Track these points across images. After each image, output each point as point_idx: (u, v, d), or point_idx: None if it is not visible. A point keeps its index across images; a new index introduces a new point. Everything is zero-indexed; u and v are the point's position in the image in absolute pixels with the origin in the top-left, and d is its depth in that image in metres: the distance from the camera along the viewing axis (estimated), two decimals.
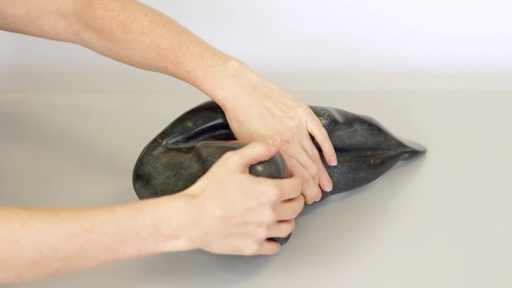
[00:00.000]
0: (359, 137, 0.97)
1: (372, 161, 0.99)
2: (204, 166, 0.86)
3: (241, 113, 0.90)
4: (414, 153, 1.06)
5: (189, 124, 0.94)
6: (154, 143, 0.94)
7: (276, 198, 0.80)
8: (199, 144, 0.88)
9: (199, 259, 0.88)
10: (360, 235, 0.93)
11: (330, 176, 0.95)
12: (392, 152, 1.02)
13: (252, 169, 0.82)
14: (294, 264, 0.88)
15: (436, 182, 1.03)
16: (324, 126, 0.94)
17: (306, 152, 0.91)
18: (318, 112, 0.95)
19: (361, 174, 0.98)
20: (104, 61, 1.38)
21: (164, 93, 1.24)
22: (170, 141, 0.94)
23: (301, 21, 1.44)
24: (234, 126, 0.91)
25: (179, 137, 0.94)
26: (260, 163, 0.82)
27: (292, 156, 0.90)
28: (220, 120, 0.94)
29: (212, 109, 0.94)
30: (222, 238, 0.79)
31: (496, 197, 1.00)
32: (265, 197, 0.80)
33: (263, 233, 0.81)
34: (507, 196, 1.00)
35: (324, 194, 0.96)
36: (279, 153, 0.85)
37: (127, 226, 0.76)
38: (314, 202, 0.96)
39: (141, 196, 0.92)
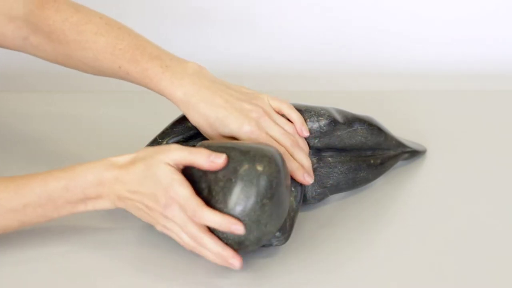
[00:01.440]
0: (359, 137, 0.97)
1: (372, 161, 0.99)
2: None
3: (205, 105, 0.90)
4: (414, 153, 1.06)
5: (189, 124, 0.94)
6: (154, 143, 0.94)
7: (183, 202, 0.82)
8: (199, 144, 0.88)
9: (200, 258, 0.88)
10: (360, 235, 0.93)
11: (330, 176, 0.95)
12: (392, 152, 1.02)
13: (252, 169, 0.82)
14: (294, 264, 0.88)
15: (436, 182, 1.03)
16: (324, 126, 0.94)
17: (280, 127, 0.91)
18: (318, 112, 0.95)
19: (361, 174, 0.98)
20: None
21: None
22: (170, 141, 0.94)
23: (301, 21, 1.44)
24: (201, 122, 0.91)
25: (179, 137, 0.94)
26: (260, 163, 0.82)
27: (266, 132, 0.90)
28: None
29: None
30: (136, 208, 0.85)
31: (496, 197, 1.00)
32: (175, 197, 0.83)
33: (170, 225, 0.84)
34: (507, 196, 1.00)
35: (324, 194, 0.96)
36: (279, 153, 0.85)
37: (59, 196, 0.85)
38: (315, 202, 0.96)
39: None
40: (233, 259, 0.83)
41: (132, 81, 0.96)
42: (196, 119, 0.91)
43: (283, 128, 0.92)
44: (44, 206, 0.85)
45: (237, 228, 0.81)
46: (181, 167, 0.85)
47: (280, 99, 0.94)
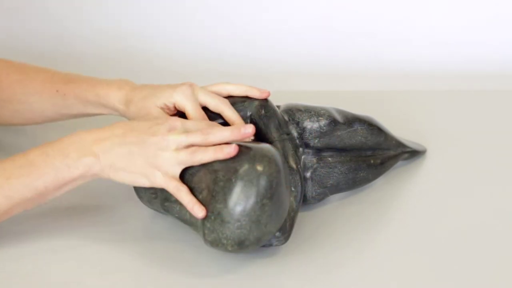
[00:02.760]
0: (359, 137, 0.97)
1: (372, 161, 0.99)
2: (204, 166, 0.86)
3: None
4: (414, 153, 1.06)
5: None
6: None
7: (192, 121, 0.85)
8: None
9: (200, 259, 0.88)
10: (360, 235, 0.93)
11: (330, 176, 0.95)
12: (392, 152, 1.02)
13: (251, 169, 0.82)
14: (294, 264, 0.88)
15: (436, 182, 1.03)
16: (324, 126, 0.94)
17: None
18: (318, 112, 0.95)
19: (361, 174, 0.98)
20: (104, 61, 1.38)
21: None
22: None
23: (301, 21, 1.44)
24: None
25: None
26: (260, 163, 0.82)
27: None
28: (220, 120, 0.94)
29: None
30: (125, 153, 0.84)
31: (496, 197, 1.00)
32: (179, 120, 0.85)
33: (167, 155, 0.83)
34: (507, 196, 1.00)
35: (324, 194, 0.96)
36: (279, 153, 0.85)
37: (40, 161, 0.85)
38: (315, 202, 0.96)
39: (141, 196, 0.92)
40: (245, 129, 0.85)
41: (71, 98, 0.99)
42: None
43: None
44: (27, 174, 0.84)
45: (247, 132, 0.84)
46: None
47: (211, 95, 0.92)
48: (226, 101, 0.93)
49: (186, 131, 0.84)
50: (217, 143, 0.84)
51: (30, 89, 1.00)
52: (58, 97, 0.99)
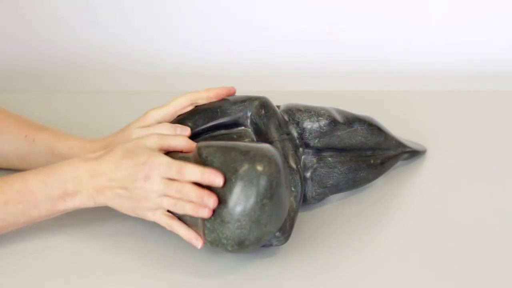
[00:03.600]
0: (359, 137, 0.97)
1: (372, 161, 0.99)
2: (204, 166, 0.86)
3: None
4: (414, 153, 1.06)
5: (189, 124, 0.94)
6: None
7: (166, 165, 0.85)
8: (199, 144, 0.88)
9: (200, 259, 0.88)
10: (360, 235, 0.93)
11: (330, 176, 0.95)
12: (392, 152, 1.02)
13: (251, 169, 0.82)
14: (294, 264, 0.88)
15: (436, 182, 1.03)
16: (324, 126, 0.94)
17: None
18: (318, 112, 0.95)
19: (361, 174, 0.98)
20: (105, 61, 1.38)
21: (164, 93, 1.24)
22: None
23: (301, 21, 1.44)
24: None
25: None
26: (260, 163, 0.82)
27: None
28: (220, 120, 0.94)
29: (212, 109, 0.94)
30: (116, 196, 0.86)
31: (496, 197, 1.00)
32: (156, 165, 0.85)
33: (155, 200, 0.85)
34: (507, 195, 1.00)
35: (324, 194, 0.96)
36: (279, 153, 0.85)
37: (38, 191, 0.86)
38: (315, 202, 0.96)
39: None
40: (211, 202, 0.83)
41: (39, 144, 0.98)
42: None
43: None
44: (24, 202, 0.86)
45: (217, 180, 0.82)
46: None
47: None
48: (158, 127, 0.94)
49: (163, 180, 0.85)
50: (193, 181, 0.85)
51: None
52: (25, 142, 0.99)
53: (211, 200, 0.82)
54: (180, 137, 0.89)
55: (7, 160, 1.00)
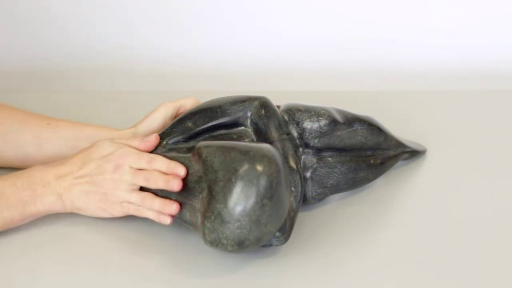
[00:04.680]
0: (359, 137, 0.97)
1: (372, 161, 0.99)
2: (204, 166, 0.86)
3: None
4: (414, 153, 1.06)
5: (189, 124, 0.94)
6: None
7: (136, 154, 0.89)
8: (199, 144, 0.88)
9: (200, 259, 0.88)
10: (360, 235, 0.93)
11: (330, 176, 0.95)
12: (392, 152, 1.02)
13: (251, 169, 0.82)
14: (294, 264, 0.88)
15: (436, 182, 1.03)
16: (324, 126, 0.94)
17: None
18: (318, 112, 0.95)
19: (361, 174, 0.98)
20: (105, 61, 1.38)
21: (164, 93, 1.24)
22: (170, 141, 0.94)
23: (300, 21, 1.44)
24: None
25: (179, 137, 0.94)
26: (260, 163, 0.82)
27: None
28: (220, 120, 0.94)
29: (212, 109, 0.94)
30: (85, 193, 0.89)
31: (496, 197, 1.00)
32: (125, 155, 0.89)
33: (123, 186, 0.88)
34: (507, 195, 1.00)
35: (324, 194, 0.96)
36: (279, 153, 0.85)
37: (10, 193, 0.88)
38: (315, 202, 0.96)
39: None
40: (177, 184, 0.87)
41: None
42: None
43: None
44: None
45: (180, 169, 0.87)
46: None
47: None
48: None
49: (132, 170, 0.89)
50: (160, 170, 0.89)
51: (12, 121, 0.99)
52: (47, 129, 0.99)
53: (176, 182, 0.87)
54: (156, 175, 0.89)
55: (23, 150, 0.99)
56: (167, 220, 0.88)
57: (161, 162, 0.89)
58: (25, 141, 0.99)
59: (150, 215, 0.89)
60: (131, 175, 0.88)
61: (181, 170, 0.88)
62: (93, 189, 0.89)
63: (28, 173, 0.90)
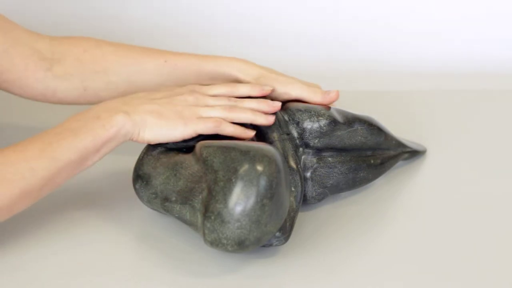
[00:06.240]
0: (359, 137, 0.97)
1: (372, 161, 0.99)
2: (204, 166, 0.86)
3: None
4: (414, 153, 1.07)
5: None
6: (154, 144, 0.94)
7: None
8: (199, 144, 0.88)
9: (200, 259, 0.88)
10: (360, 235, 0.93)
11: (330, 176, 0.95)
12: (392, 152, 1.02)
13: (251, 169, 0.82)
14: (294, 264, 0.88)
15: (436, 182, 1.03)
16: (324, 126, 0.94)
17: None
18: (318, 112, 0.95)
19: (361, 174, 0.98)
20: None
21: None
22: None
23: (300, 21, 1.44)
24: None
25: None
26: (260, 163, 0.82)
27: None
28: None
29: None
30: (152, 110, 0.87)
31: (496, 197, 1.00)
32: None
33: (189, 101, 0.88)
34: (507, 195, 1.00)
35: (324, 194, 0.96)
36: (279, 153, 0.85)
37: (76, 126, 0.86)
38: (315, 202, 0.96)
39: (141, 196, 0.92)
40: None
41: (177, 74, 0.98)
42: None
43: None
44: (67, 138, 0.85)
45: (266, 88, 0.92)
46: None
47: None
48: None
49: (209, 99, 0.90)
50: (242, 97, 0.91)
51: (128, 60, 0.99)
52: (166, 68, 0.98)
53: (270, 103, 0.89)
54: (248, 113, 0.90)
55: (142, 89, 0.99)
56: (269, 119, 0.89)
57: (244, 87, 0.90)
58: (147, 80, 0.99)
59: (243, 116, 0.89)
60: (210, 99, 0.88)
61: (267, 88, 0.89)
62: (168, 106, 0.88)
63: (90, 108, 0.88)
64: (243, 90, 0.91)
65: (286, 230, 0.88)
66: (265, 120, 0.91)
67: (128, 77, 0.99)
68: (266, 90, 0.92)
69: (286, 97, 0.97)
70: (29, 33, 1.00)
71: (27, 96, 1.01)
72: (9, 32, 0.98)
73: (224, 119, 0.89)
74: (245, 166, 0.83)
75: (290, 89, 0.96)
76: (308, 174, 0.95)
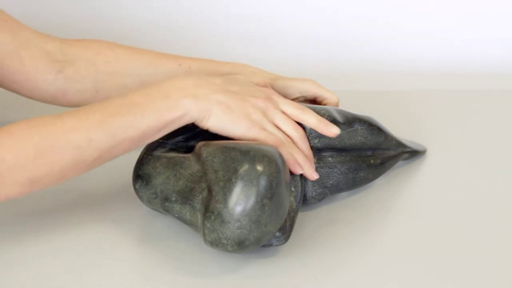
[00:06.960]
0: (359, 137, 0.97)
1: (372, 161, 0.99)
2: (204, 166, 0.86)
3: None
4: (414, 153, 1.07)
5: (189, 124, 0.94)
6: (154, 143, 0.94)
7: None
8: (199, 144, 0.88)
9: (200, 259, 0.88)
10: (360, 235, 0.93)
11: (330, 176, 0.95)
12: (392, 152, 1.02)
13: (251, 169, 0.82)
14: (294, 264, 0.88)
15: (436, 182, 1.03)
16: None
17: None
18: (318, 112, 0.95)
19: (361, 174, 0.98)
20: None
21: None
22: (170, 141, 0.94)
23: (300, 21, 1.44)
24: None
25: (179, 137, 0.94)
26: (260, 163, 0.82)
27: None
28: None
29: None
30: (222, 102, 0.85)
31: (496, 197, 1.00)
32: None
33: (261, 104, 0.87)
34: (507, 195, 1.00)
35: (324, 194, 0.96)
36: (279, 153, 0.85)
37: (142, 101, 0.83)
38: (314, 202, 0.96)
39: (141, 196, 0.92)
40: None
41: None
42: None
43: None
44: (131, 114, 0.83)
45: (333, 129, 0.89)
46: None
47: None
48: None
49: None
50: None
51: (142, 62, 0.98)
52: (180, 71, 0.97)
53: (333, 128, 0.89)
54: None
55: None
56: (314, 176, 0.89)
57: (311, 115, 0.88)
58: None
59: (310, 121, 0.90)
60: (281, 120, 0.88)
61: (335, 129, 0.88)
62: (238, 103, 0.86)
63: (161, 82, 0.85)
64: (311, 121, 0.89)
65: (286, 230, 0.88)
66: (310, 175, 0.90)
67: (142, 79, 0.99)
68: (332, 133, 0.90)
69: (304, 94, 0.98)
70: (38, 34, 0.99)
71: (37, 98, 1.01)
72: (18, 32, 0.97)
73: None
74: (245, 166, 0.83)
75: (309, 85, 0.99)
76: None
